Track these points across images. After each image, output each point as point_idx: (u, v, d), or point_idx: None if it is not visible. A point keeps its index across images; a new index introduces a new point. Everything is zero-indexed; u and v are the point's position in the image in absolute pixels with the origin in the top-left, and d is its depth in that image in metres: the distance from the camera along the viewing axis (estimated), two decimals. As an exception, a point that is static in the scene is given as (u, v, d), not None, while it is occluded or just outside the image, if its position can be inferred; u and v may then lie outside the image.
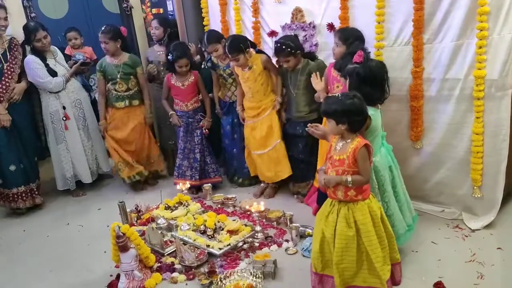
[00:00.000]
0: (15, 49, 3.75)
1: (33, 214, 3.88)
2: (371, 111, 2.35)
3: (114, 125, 4.04)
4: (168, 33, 4.20)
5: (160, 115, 4.32)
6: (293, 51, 3.21)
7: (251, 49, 3.49)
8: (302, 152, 3.49)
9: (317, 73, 3.16)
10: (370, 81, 2.44)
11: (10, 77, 3.68)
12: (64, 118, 3.94)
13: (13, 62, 3.72)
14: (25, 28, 3.79)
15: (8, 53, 3.71)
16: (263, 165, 3.69)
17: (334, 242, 2.27)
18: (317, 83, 3.14)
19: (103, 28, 3.87)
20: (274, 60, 3.63)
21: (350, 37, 2.96)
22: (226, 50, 3.43)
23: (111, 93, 3.99)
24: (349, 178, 2.19)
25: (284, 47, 3.21)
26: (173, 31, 4.31)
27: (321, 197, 3.16)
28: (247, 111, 3.65)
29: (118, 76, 3.92)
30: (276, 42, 3.32)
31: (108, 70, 3.93)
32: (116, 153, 4.05)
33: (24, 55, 3.84)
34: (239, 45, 3.39)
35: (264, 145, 3.61)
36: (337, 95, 2.28)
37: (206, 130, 3.93)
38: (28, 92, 3.90)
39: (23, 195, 3.83)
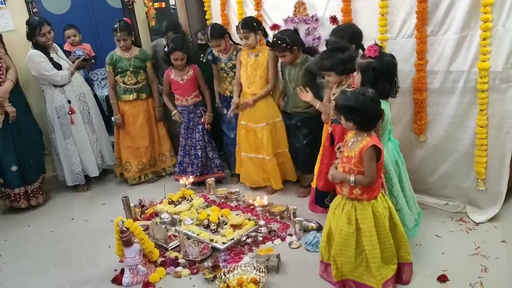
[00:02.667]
0: None
1: (38, 210, 3.90)
2: (383, 104, 2.32)
3: (125, 119, 4.07)
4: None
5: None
6: (288, 46, 3.18)
7: (263, 37, 3.52)
8: (301, 143, 3.48)
9: (301, 87, 3.11)
10: (385, 75, 2.41)
11: (0, 72, 3.65)
12: (70, 112, 3.94)
13: (0, 57, 3.67)
14: (29, 23, 3.78)
15: None
16: (252, 168, 3.69)
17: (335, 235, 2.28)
18: (305, 96, 3.04)
19: (119, 25, 3.88)
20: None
21: (345, 36, 2.92)
22: (239, 26, 3.43)
23: (118, 85, 4.02)
24: (352, 178, 2.17)
25: (279, 42, 3.19)
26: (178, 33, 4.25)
27: (318, 196, 3.17)
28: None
29: (130, 69, 3.96)
30: (273, 36, 3.31)
31: (119, 63, 3.96)
32: (127, 153, 4.11)
33: (4, 49, 3.78)
34: (252, 23, 3.43)
35: (256, 150, 3.63)
36: (349, 90, 2.25)
37: (208, 125, 3.92)
38: (19, 90, 3.89)
39: (25, 195, 3.84)
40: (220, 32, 3.67)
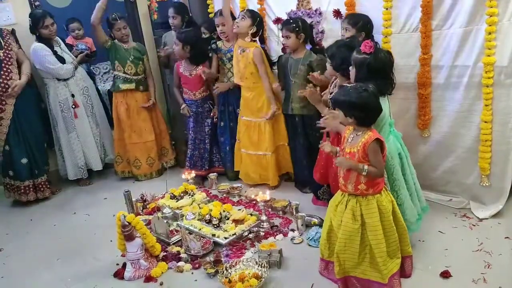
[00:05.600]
0: (7, 37, 3.71)
1: (40, 204, 3.90)
2: (380, 100, 2.30)
3: (129, 114, 4.03)
4: (186, 20, 4.09)
5: (175, 105, 4.26)
6: (297, 28, 3.16)
7: (257, 38, 3.50)
8: (301, 151, 3.45)
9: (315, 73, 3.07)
10: (380, 72, 2.38)
11: (9, 63, 3.65)
12: (74, 106, 3.94)
13: (9, 49, 3.67)
14: (32, 15, 3.77)
15: (2, 40, 3.66)
16: (250, 164, 3.68)
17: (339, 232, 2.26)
18: (316, 78, 2.97)
19: (119, 14, 3.93)
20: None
21: (359, 21, 2.96)
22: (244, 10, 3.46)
23: (118, 76, 3.99)
24: (365, 167, 2.13)
25: (291, 20, 3.22)
26: (191, 17, 4.19)
27: (315, 187, 3.17)
28: (243, 101, 3.63)
29: (130, 58, 3.95)
30: (288, 16, 3.39)
31: (119, 50, 3.93)
32: (134, 149, 4.09)
33: (17, 43, 3.80)
34: (255, 13, 3.45)
35: (256, 147, 3.62)
36: (349, 86, 2.23)
37: (216, 119, 3.91)
38: (33, 84, 3.89)
39: (33, 188, 3.85)
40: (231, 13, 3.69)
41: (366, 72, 2.36)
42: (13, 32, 3.81)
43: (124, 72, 3.98)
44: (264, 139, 3.56)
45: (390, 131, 2.54)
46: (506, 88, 2.71)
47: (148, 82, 4.14)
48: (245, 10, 3.48)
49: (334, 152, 2.34)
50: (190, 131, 3.97)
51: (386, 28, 3.05)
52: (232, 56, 3.69)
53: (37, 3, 4.15)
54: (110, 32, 3.93)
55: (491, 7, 2.60)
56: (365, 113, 2.15)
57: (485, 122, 2.80)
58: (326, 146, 2.42)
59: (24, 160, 3.77)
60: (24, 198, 3.84)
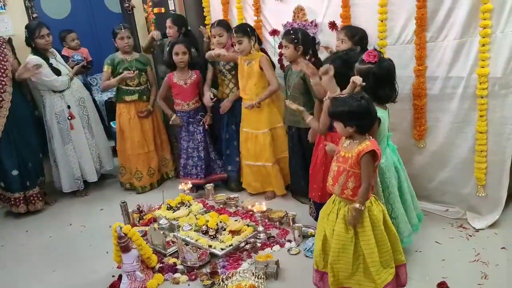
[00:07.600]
0: (3, 46, 3.71)
1: (36, 215, 3.88)
2: (380, 113, 2.31)
3: (130, 124, 4.03)
4: (183, 32, 4.10)
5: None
6: (295, 40, 3.14)
7: (257, 44, 3.53)
8: (297, 162, 3.44)
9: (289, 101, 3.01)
10: (386, 80, 2.40)
11: (4, 74, 3.64)
12: (69, 118, 3.94)
13: (4, 60, 3.67)
14: (28, 26, 3.80)
15: None
16: (251, 175, 3.72)
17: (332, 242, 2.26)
18: (308, 66, 2.87)
19: (125, 24, 4.01)
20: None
21: (357, 34, 2.98)
22: (233, 30, 3.46)
23: (121, 88, 4.01)
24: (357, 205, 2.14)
25: (291, 31, 3.19)
26: (189, 30, 4.20)
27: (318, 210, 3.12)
28: (243, 113, 3.67)
29: (133, 69, 3.95)
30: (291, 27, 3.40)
31: (120, 64, 3.95)
32: (136, 160, 4.07)
33: (14, 53, 3.81)
34: (246, 29, 3.46)
35: (255, 158, 3.64)
36: (344, 96, 2.24)
37: (207, 126, 3.92)
38: (26, 93, 3.91)
39: (24, 200, 3.82)
40: (227, 24, 3.73)
41: (372, 82, 2.35)
42: (9, 41, 3.82)
43: (127, 85, 3.99)
44: (265, 150, 3.58)
45: (387, 144, 2.55)
46: (501, 98, 2.73)
47: (151, 91, 4.14)
48: (235, 33, 3.44)
49: (333, 151, 2.35)
50: (182, 141, 3.96)
51: (381, 40, 3.08)
52: (231, 67, 3.72)
53: (35, 14, 4.18)
54: (114, 41, 3.96)
55: (485, 19, 2.63)
56: (366, 120, 2.16)
57: (480, 132, 2.82)
58: (329, 146, 2.44)
59: (15, 172, 3.75)
60: (15, 210, 3.81)
